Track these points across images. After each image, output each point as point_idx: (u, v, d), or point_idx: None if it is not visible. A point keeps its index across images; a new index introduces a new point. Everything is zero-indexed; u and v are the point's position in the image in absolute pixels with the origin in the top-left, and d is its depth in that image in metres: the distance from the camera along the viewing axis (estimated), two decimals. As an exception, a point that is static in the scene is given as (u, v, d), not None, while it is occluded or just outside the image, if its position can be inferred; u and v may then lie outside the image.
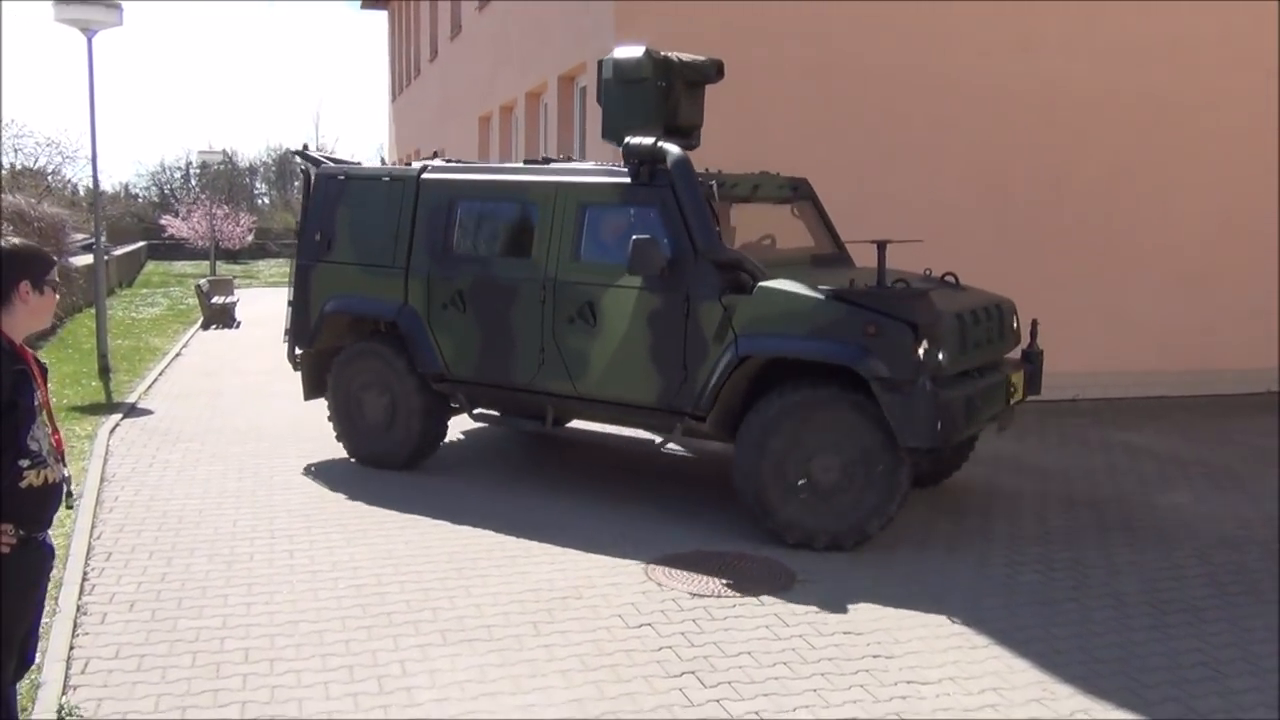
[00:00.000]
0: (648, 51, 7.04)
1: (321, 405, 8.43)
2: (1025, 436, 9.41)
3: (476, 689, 4.37)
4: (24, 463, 3.07)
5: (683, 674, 4.55)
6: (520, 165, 7.71)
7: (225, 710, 4.15)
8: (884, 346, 5.87)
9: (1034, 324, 7.43)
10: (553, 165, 7.51)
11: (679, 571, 5.80)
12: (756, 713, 4.21)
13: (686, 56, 7.29)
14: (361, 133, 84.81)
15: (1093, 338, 11.13)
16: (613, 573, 5.76)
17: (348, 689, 4.35)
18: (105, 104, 72.42)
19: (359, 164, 8.68)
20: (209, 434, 9.02)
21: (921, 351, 5.83)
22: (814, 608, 5.33)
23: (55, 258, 3.34)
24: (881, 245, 6.30)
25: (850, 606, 5.37)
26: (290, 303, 8.35)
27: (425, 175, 7.74)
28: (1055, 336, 11.02)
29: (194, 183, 49.99)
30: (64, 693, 4.21)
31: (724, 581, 5.65)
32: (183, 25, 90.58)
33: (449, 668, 4.56)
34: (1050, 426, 9.92)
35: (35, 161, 36.54)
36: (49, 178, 35.74)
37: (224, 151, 49.53)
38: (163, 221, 38.01)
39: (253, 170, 63.59)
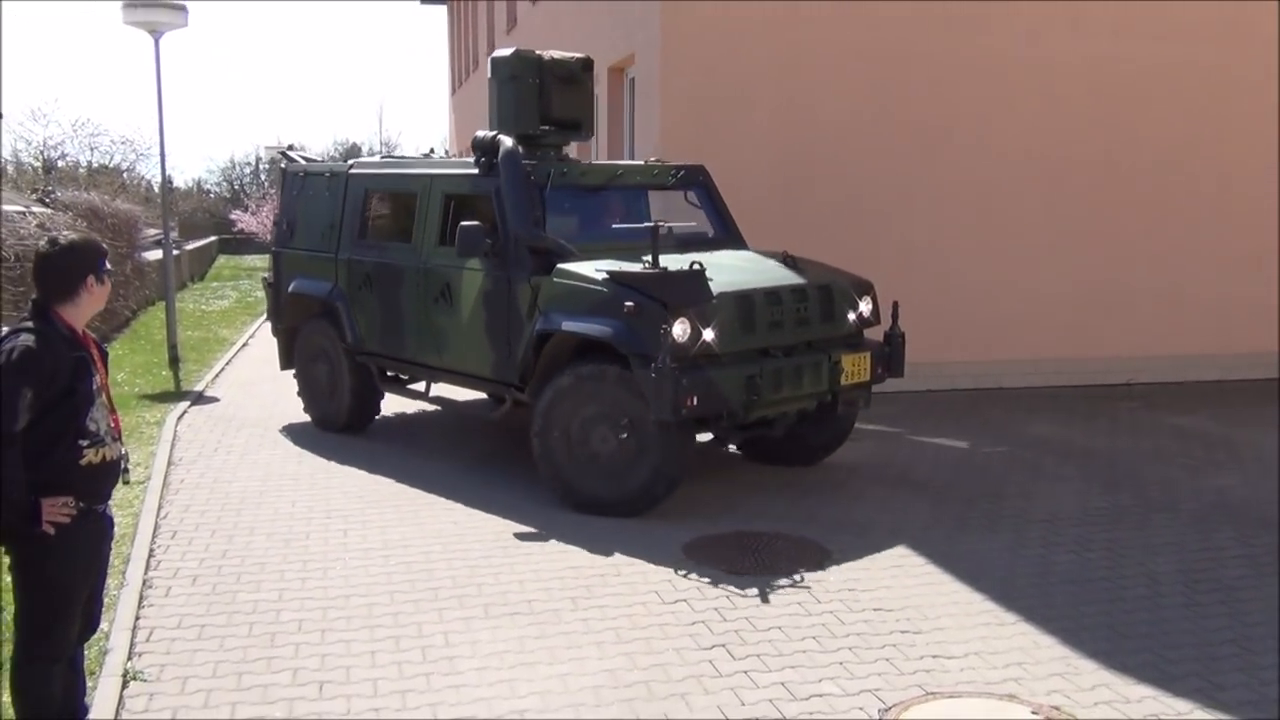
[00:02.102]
0: (517, 52, 7.79)
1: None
2: (1074, 421, 9.40)
3: (515, 659, 4.57)
4: (83, 442, 3.34)
5: (713, 647, 4.71)
6: (417, 159, 8.71)
7: (278, 676, 4.40)
8: (641, 324, 6.22)
9: (894, 306, 7.42)
10: (431, 159, 8.51)
11: (715, 551, 5.96)
12: (783, 683, 4.36)
13: (558, 55, 7.90)
14: (424, 125, 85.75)
15: (1147, 320, 11.05)
16: (651, 552, 5.92)
17: (393, 657, 4.58)
18: (176, 102, 74.21)
19: (319, 161, 9.86)
20: (271, 420, 9.35)
21: (679, 330, 6.11)
22: (846, 586, 5.45)
23: (105, 247, 3.60)
24: (654, 230, 6.58)
25: (882, 585, 5.48)
26: (268, 284, 9.54)
27: (352, 170, 8.65)
28: (1109, 320, 11.01)
29: (263, 178, 50.97)
30: (129, 658, 4.49)
31: (759, 560, 5.80)
32: (248, 24, 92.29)
33: (490, 639, 4.77)
34: (1101, 411, 9.88)
35: (110, 160, 37.67)
36: (124, 175, 36.85)
37: (290, 146, 50.44)
38: (233, 216, 38.85)
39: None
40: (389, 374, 8.65)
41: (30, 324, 3.29)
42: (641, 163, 8.34)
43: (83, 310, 3.42)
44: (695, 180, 8.23)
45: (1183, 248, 11.08)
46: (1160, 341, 11.10)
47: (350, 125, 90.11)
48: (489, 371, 7.42)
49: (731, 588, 5.41)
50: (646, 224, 6.76)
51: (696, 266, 6.48)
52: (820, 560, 5.81)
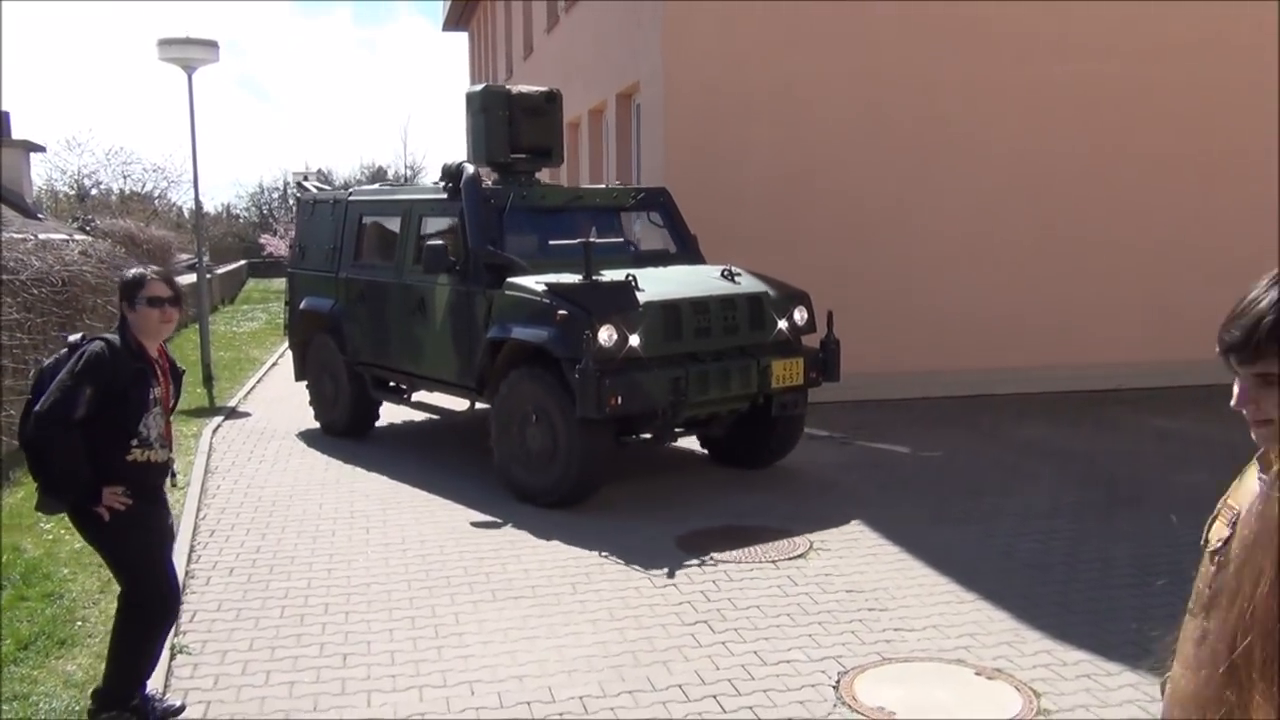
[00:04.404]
0: (487, 87, 8.72)
1: (397, 408, 9.82)
2: (1059, 423, 9.85)
3: (517, 634, 5.11)
4: (133, 442, 3.96)
5: (695, 623, 5.23)
6: (402, 185, 9.62)
7: (306, 649, 4.96)
8: (569, 331, 6.82)
9: (829, 315, 7.87)
10: (408, 185, 9.36)
11: (705, 542, 6.47)
12: (755, 652, 4.87)
13: (525, 89, 8.70)
14: (447, 147, 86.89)
15: (1135, 328, 11.48)
16: (646, 544, 6.45)
17: (409, 634, 5.13)
18: (205, 128, 75.62)
19: (328, 190, 10.83)
20: (300, 432, 9.94)
21: (605, 335, 6.72)
22: (823, 571, 5.96)
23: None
24: (587, 244, 7.15)
25: (856, 570, 5.98)
26: (286, 302, 10.43)
27: (350, 198, 9.48)
28: (1098, 327, 11.46)
29: (291, 202, 52.01)
30: (176, 635, 5.05)
31: (744, 550, 6.31)
32: (275, 49, 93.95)
33: (495, 618, 5.31)
34: (1088, 414, 10.32)
35: (143, 187, 38.64)
36: (155, 201, 37.84)
37: (319, 171, 51.55)
38: (262, 240, 39.75)
39: (347, 188, 65.78)
40: (390, 384, 9.38)
41: (106, 335, 3.93)
42: (603, 186, 9.08)
43: (141, 328, 4.02)
44: (656, 201, 8.90)
45: (1168, 257, 11.52)
46: (1148, 348, 11.52)
47: (376, 148, 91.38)
48: (455, 377, 8.21)
49: (717, 573, 5.93)
50: (580, 240, 7.32)
51: (629, 279, 7.13)
52: (802, 550, 6.32)
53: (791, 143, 10.69)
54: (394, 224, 8.89)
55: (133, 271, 4.19)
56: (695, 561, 6.13)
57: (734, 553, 6.27)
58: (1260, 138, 11.53)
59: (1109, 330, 11.48)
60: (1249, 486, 1.60)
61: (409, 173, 49.37)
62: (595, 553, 6.31)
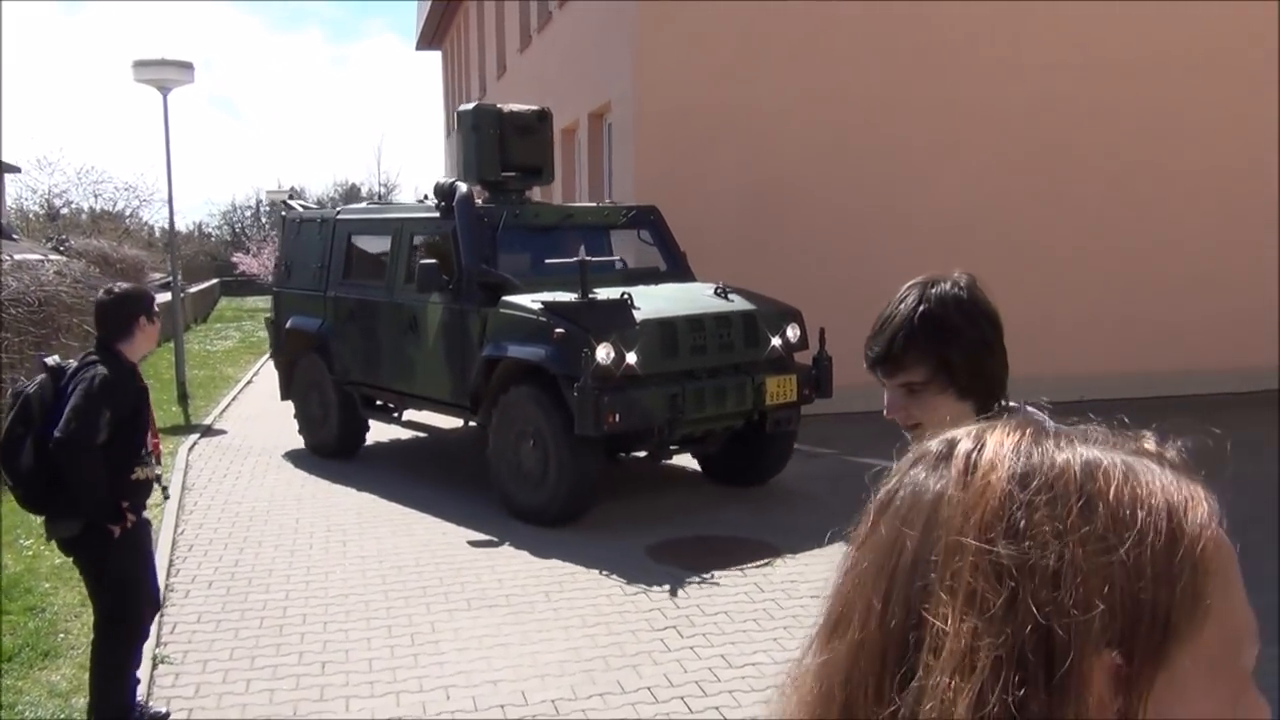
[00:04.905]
0: (478, 105, 8.80)
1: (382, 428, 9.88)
2: (1023, 435, 10.08)
3: (492, 641, 5.26)
4: (138, 460, 4.10)
5: (665, 628, 5.40)
6: (390, 204, 9.63)
7: (286, 658, 5.09)
8: (567, 349, 6.85)
9: (821, 332, 8.04)
10: (391, 204, 9.54)
11: (676, 551, 6.65)
12: (722, 655, 5.04)
13: (516, 107, 8.74)
14: (421, 166, 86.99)
15: (1099, 341, 11.76)
16: (618, 553, 6.61)
17: (386, 641, 5.27)
18: (178, 146, 75.25)
19: (315, 208, 10.85)
20: (275, 449, 10.05)
21: (603, 353, 6.72)
22: (789, 578, 6.14)
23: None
24: (583, 263, 7.19)
25: (821, 576, 6.14)
26: (270, 321, 10.43)
27: (339, 216, 9.54)
28: (1063, 341, 11.73)
29: (264, 220, 51.93)
30: (157, 645, 5.17)
31: (714, 558, 6.48)
32: (250, 67, 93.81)
33: (471, 626, 5.46)
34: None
35: (115, 205, 38.51)
36: (127, 220, 37.72)
37: (292, 189, 51.47)
38: (234, 259, 39.66)
39: (320, 206, 65.72)
40: (377, 402, 9.41)
41: (97, 358, 4.04)
42: (594, 204, 9.18)
43: (138, 347, 4.18)
44: (646, 220, 8.98)
45: (1129, 272, 11.82)
46: (1111, 360, 11.80)
47: (350, 166, 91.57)
48: (448, 396, 8.23)
49: (686, 581, 6.10)
50: (576, 259, 7.35)
51: (625, 297, 7.21)
52: (769, 558, 6.50)
53: (758, 161, 10.92)
54: (384, 243, 8.92)
55: (135, 287, 4.33)
56: (665, 570, 6.29)
57: (703, 560, 6.44)
58: (1217, 154, 11.87)
59: (1072, 343, 11.75)
60: None
61: (383, 190, 49.43)
62: (568, 563, 6.46)
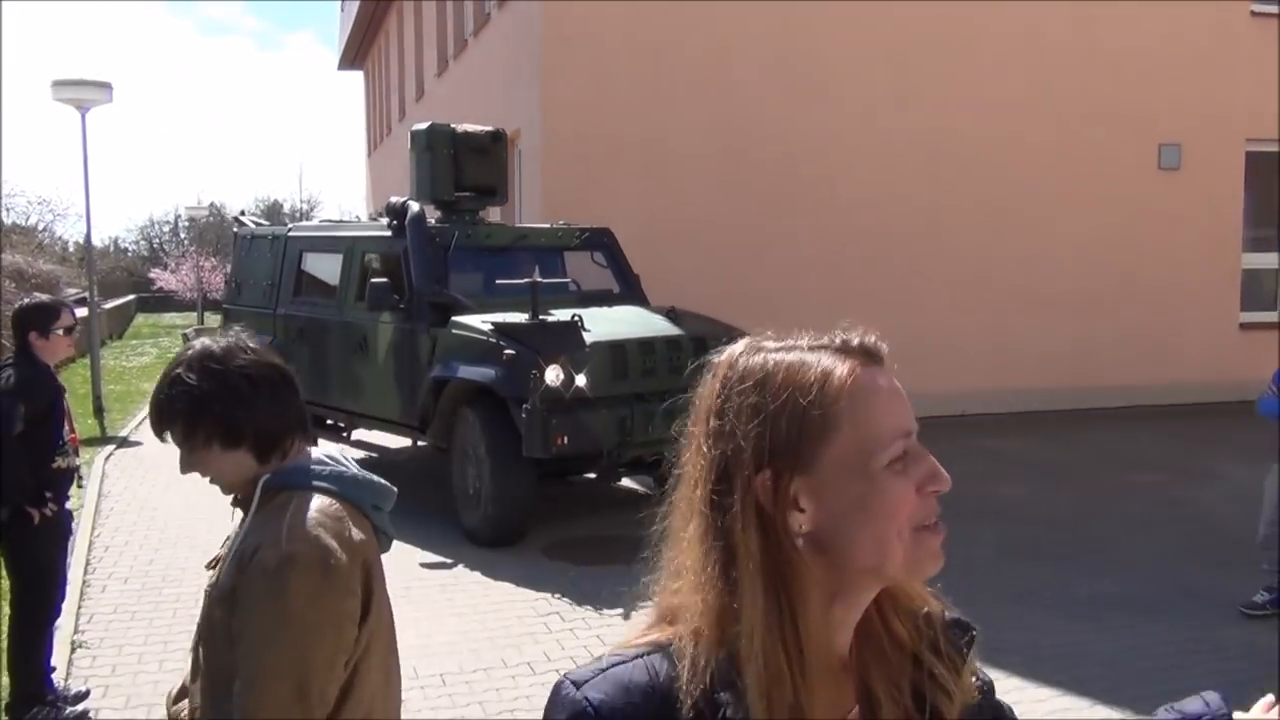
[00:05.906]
0: (432, 125, 8.77)
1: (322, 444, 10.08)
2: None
3: (389, 626, 5.75)
4: (57, 451, 4.54)
5: (549, 614, 5.95)
6: (339, 222, 9.95)
7: (197, 642, 5.53)
8: (516, 371, 6.89)
9: None
10: (344, 222, 9.77)
11: (569, 549, 7.20)
12: (598, 636, 5.60)
13: (472, 128, 8.82)
14: (343, 184, 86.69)
15: (976, 359, 12.59)
16: (515, 552, 7.14)
17: (291, 628, 5.73)
18: (96, 163, 74.04)
19: (267, 226, 10.86)
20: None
21: (552, 375, 6.75)
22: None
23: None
24: (534, 284, 7.33)
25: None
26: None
27: (290, 234, 9.62)
28: (943, 360, 12.53)
29: (182, 236, 51.47)
30: (75, 632, 5.58)
31: (601, 554, 7.04)
32: (172, 88, 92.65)
33: (370, 614, 5.94)
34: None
35: (27, 219, 37.93)
36: (40, 235, 37.23)
37: (211, 205, 51.12)
38: (152, 275, 39.34)
39: (240, 223, 65.14)
40: (327, 421, 9.38)
41: (15, 360, 4.50)
42: (549, 225, 9.24)
43: (51, 354, 4.61)
44: (600, 242, 9.08)
45: (1003, 296, 12.69)
46: (988, 378, 12.64)
47: (271, 183, 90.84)
48: (397, 415, 8.24)
49: (574, 573, 6.65)
50: (527, 280, 7.43)
51: (575, 318, 7.30)
52: (652, 551, 7.06)
53: (659, 188, 11.56)
54: (336, 261, 8.88)
55: (41, 300, 4.77)
56: (557, 565, 6.84)
57: (592, 555, 7.00)
58: (1077, 183, 12.82)
59: (953, 361, 12.57)
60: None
61: (305, 207, 49.36)
62: (466, 562, 6.97)
